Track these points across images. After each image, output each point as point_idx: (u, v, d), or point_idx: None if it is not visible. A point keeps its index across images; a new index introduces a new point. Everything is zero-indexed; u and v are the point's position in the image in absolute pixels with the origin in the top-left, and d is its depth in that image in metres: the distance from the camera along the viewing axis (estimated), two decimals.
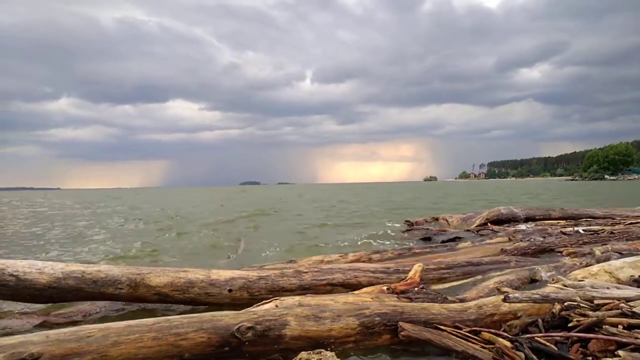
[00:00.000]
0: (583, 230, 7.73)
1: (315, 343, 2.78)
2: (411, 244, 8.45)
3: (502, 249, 6.04)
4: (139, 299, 4.15)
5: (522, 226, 8.94)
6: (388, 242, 9.03)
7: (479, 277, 4.74)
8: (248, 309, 3.36)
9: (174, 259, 7.80)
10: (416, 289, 4.18)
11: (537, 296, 3.27)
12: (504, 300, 3.26)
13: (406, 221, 11.62)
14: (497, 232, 8.31)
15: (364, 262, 5.63)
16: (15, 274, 3.77)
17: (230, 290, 4.22)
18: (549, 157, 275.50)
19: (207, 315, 2.82)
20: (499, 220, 9.64)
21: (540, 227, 8.64)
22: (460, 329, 3.10)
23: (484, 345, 2.93)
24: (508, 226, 9.11)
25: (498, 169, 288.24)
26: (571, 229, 7.98)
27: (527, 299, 3.24)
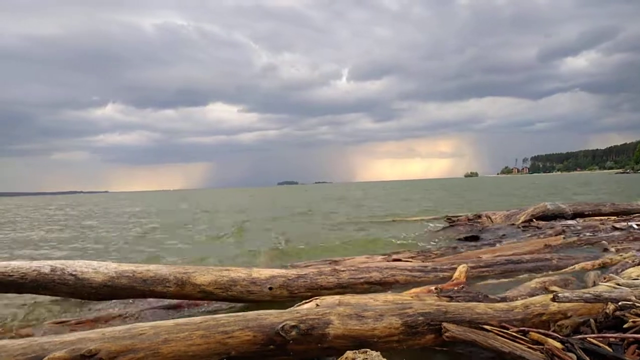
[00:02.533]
0: (637, 225, 7.36)
1: (359, 342, 2.79)
2: (454, 242, 8.30)
3: (545, 245, 5.84)
4: (185, 296, 4.29)
5: (570, 222, 8.59)
6: (431, 240, 8.89)
7: (524, 275, 4.60)
8: (291, 308, 3.41)
9: None
10: (456, 288, 4.11)
11: (588, 295, 3.15)
12: (553, 299, 3.17)
13: (447, 218, 11.41)
14: (542, 228, 8.04)
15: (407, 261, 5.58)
16: (74, 273, 3.99)
17: (270, 288, 4.30)
18: (598, 149, 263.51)
19: (252, 313, 2.88)
20: (545, 217, 9.31)
21: (589, 222, 8.29)
22: (507, 329, 3.02)
23: (533, 346, 2.85)
24: (554, 222, 8.79)
25: (542, 163, 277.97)
26: (624, 224, 7.62)
27: (577, 298, 3.13)
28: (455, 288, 4.13)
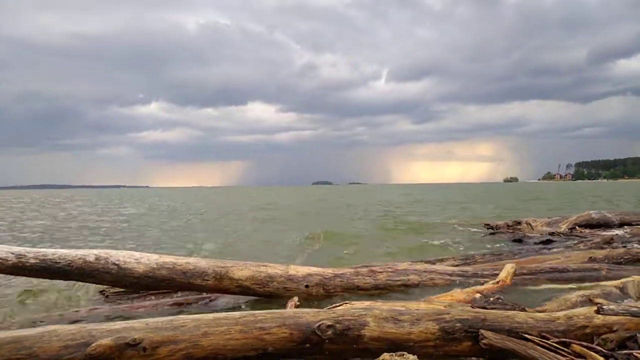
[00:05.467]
0: None
1: (394, 345, 2.77)
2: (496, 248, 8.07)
3: (591, 257, 5.60)
4: (222, 290, 4.37)
5: (617, 232, 8.22)
6: (472, 247, 8.66)
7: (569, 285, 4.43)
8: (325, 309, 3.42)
9: None
10: (492, 298, 3.99)
11: (636, 309, 3.04)
12: (597, 311, 3.06)
13: (486, 224, 11.14)
14: (587, 237, 7.73)
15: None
16: (117, 262, 4.14)
17: (307, 286, 4.33)
18: None
19: (289, 311, 2.93)
20: (589, 225, 8.95)
21: (637, 232, 7.92)
22: (548, 339, 2.93)
23: (574, 359, 2.75)
24: (599, 232, 8.44)
25: (587, 170, 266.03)
26: None
27: (624, 312, 3.02)
28: (492, 296, 4.01)
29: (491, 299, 3.96)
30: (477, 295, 3.85)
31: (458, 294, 3.98)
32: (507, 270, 4.29)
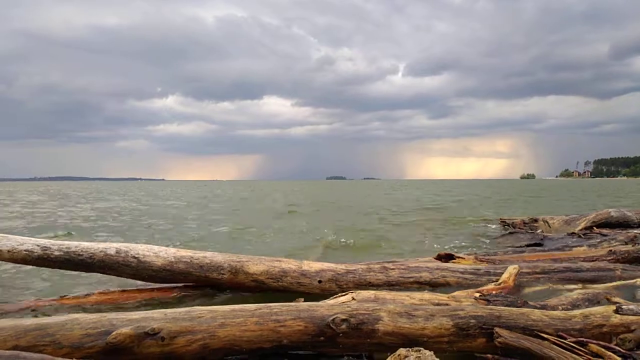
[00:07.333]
0: None
1: (408, 340, 2.79)
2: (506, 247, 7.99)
3: (609, 251, 5.52)
4: (237, 284, 4.44)
5: (636, 231, 8.06)
6: (489, 245, 8.60)
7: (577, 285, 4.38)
8: (327, 300, 3.45)
9: None
10: (494, 292, 3.97)
11: None
12: (616, 311, 3.03)
13: (502, 222, 11.03)
14: (606, 236, 7.60)
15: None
16: (136, 256, 4.24)
17: (320, 282, 4.37)
18: None
19: (304, 304, 2.96)
20: (608, 224, 8.79)
21: None
22: (565, 338, 2.91)
23: (591, 359, 2.73)
24: (618, 231, 8.28)
25: (607, 167, 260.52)
26: None
27: None
28: (504, 292, 3.99)
29: (494, 292, 3.93)
30: (477, 295, 3.83)
31: (463, 292, 3.97)
32: (510, 271, 4.27)
